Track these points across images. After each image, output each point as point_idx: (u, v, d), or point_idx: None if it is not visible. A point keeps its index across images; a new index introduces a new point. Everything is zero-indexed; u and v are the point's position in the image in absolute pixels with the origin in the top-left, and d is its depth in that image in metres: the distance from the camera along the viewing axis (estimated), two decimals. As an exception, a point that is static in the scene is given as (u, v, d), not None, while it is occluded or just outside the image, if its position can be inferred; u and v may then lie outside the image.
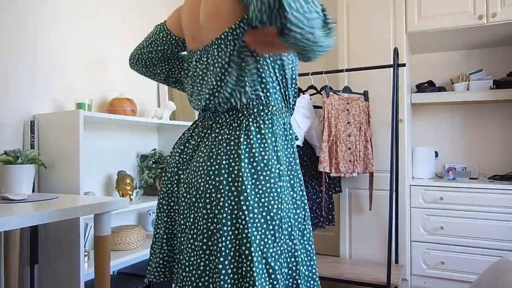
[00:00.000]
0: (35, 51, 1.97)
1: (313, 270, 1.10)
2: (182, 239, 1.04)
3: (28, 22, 1.94)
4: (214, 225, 0.96)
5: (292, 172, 1.08)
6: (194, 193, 1.01)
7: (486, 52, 2.99)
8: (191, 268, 0.99)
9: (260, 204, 0.95)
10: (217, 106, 1.05)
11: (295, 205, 1.07)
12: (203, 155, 1.03)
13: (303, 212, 1.10)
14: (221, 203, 0.95)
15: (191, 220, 1.01)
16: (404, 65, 2.44)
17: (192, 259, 0.99)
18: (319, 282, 1.11)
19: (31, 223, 1.18)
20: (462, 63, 3.06)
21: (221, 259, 0.93)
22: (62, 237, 1.81)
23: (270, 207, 0.96)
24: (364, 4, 2.80)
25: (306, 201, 1.12)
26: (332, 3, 3.05)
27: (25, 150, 1.86)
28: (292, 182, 1.07)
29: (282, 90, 1.08)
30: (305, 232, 1.10)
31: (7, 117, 1.84)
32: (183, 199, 1.05)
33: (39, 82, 1.99)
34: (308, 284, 1.08)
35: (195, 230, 1.00)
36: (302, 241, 1.09)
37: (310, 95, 2.57)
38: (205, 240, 0.97)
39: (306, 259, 1.09)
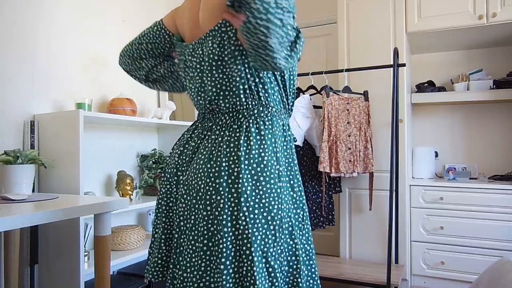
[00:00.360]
0: (35, 51, 1.97)
1: (313, 270, 1.10)
2: (182, 240, 1.05)
3: (28, 22, 1.94)
4: (215, 226, 0.96)
5: (291, 173, 1.08)
6: (194, 195, 1.01)
7: (486, 52, 2.99)
8: (192, 269, 0.99)
9: (261, 204, 0.96)
10: (221, 100, 1.05)
11: (295, 205, 1.08)
12: (203, 157, 1.03)
13: (301, 212, 1.10)
14: (221, 205, 0.95)
15: (192, 221, 1.01)
16: (404, 65, 2.44)
17: (193, 260, 0.99)
18: (318, 282, 1.11)
19: (31, 223, 1.18)
20: (462, 63, 3.06)
21: (223, 259, 0.94)
22: (62, 237, 1.81)
23: (270, 207, 0.97)
24: (364, 4, 2.80)
25: (304, 201, 1.12)
26: (332, 3, 3.05)
27: (25, 150, 1.86)
28: (291, 182, 1.08)
29: (281, 91, 1.08)
30: (304, 231, 1.10)
31: (7, 117, 1.84)
32: (183, 200, 1.05)
33: (39, 82, 1.99)
34: (308, 284, 1.08)
35: (195, 232, 1.00)
36: (302, 240, 1.09)
37: (310, 95, 2.57)
38: (205, 242, 0.98)
39: (305, 258, 1.09)
